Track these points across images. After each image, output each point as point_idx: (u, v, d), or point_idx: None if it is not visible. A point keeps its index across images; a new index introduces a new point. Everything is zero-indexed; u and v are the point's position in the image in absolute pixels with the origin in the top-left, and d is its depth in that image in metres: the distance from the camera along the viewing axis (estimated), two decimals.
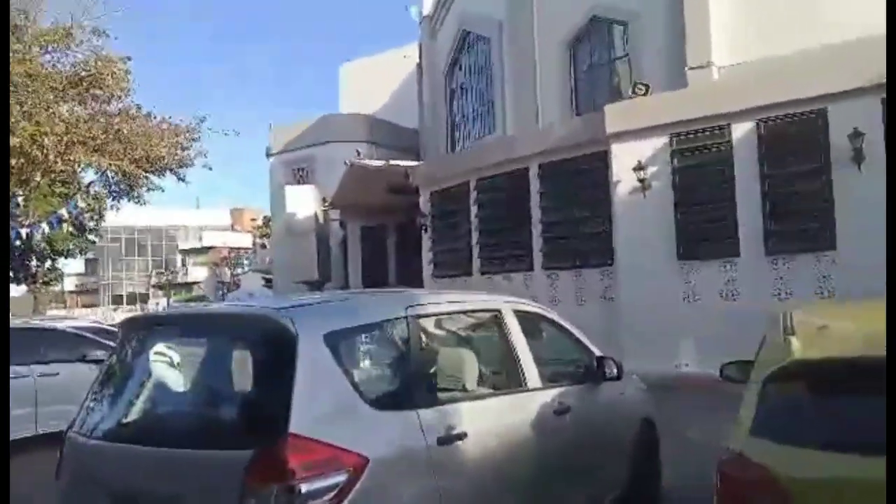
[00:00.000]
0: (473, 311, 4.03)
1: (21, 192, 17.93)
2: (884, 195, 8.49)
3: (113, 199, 21.48)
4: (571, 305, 12.34)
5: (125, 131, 17.26)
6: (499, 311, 3.93)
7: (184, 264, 63.35)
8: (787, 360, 2.51)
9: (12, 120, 14.30)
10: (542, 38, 16.73)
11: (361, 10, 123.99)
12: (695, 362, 10.45)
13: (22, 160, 15.60)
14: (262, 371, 2.86)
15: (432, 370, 3.44)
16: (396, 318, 3.23)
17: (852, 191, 9.68)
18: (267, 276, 31.78)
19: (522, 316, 4.06)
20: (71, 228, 24.65)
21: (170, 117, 18.97)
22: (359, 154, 19.16)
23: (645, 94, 12.40)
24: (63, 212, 18.02)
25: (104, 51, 16.82)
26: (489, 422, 3.37)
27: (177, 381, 3.30)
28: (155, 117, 18.71)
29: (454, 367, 3.54)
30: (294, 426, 2.53)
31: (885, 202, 8.44)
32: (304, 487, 2.45)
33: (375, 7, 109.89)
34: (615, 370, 4.37)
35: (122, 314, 41.67)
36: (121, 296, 59.23)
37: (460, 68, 21.29)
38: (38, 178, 17.89)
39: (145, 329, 3.54)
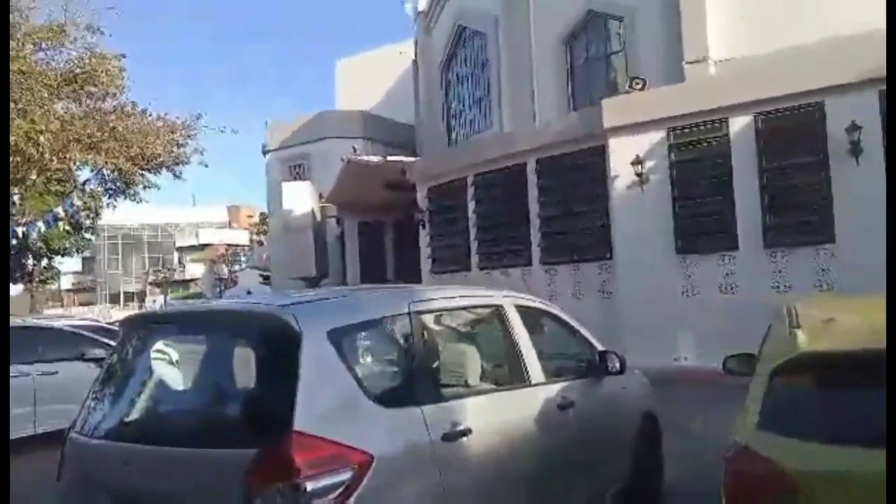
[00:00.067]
0: (476, 307, 4.02)
1: (17, 191, 17.85)
2: (882, 187, 8.51)
3: (109, 197, 21.37)
4: (570, 300, 12.34)
5: (120, 129, 17.16)
6: (501, 306, 3.92)
7: (181, 262, 63.15)
8: (794, 352, 2.50)
9: None
10: (539, 33, 16.70)
11: (359, 7, 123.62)
12: (694, 356, 10.47)
13: (17, 158, 15.51)
14: (265, 368, 2.84)
15: (435, 366, 3.43)
16: (399, 314, 3.21)
17: (850, 184, 9.68)
18: (264, 273, 31.72)
19: (524, 311, 4.05)
20: (67, 227, 24.54)
21: (165, 114, 18.91)
22: (355, 150, 19.11)
23: (642, 89, 12.39)
24: (59, 210, 17.92)
25: (98, 48, 16.73)
26: (493, 418, 3.35)
27: (179, 380, 3.28)
28: (150, 114, 18.64)
29: (457, 363, 3.53)
30: (298, 424, 2.51)
31: (885, 195, 8.45)
32: (309, 486, 2.43)
33: (372, 4, 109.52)
34: (617, 364, 4.36)
35: (119, 312, 41.60)
36: (118, 294, 59.04)
37: (456, 64, 21.24)
38: (33, 177, 17.79)
39: (146, 327, 3.51)
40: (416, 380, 3.17)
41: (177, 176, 20.01)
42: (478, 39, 19.63)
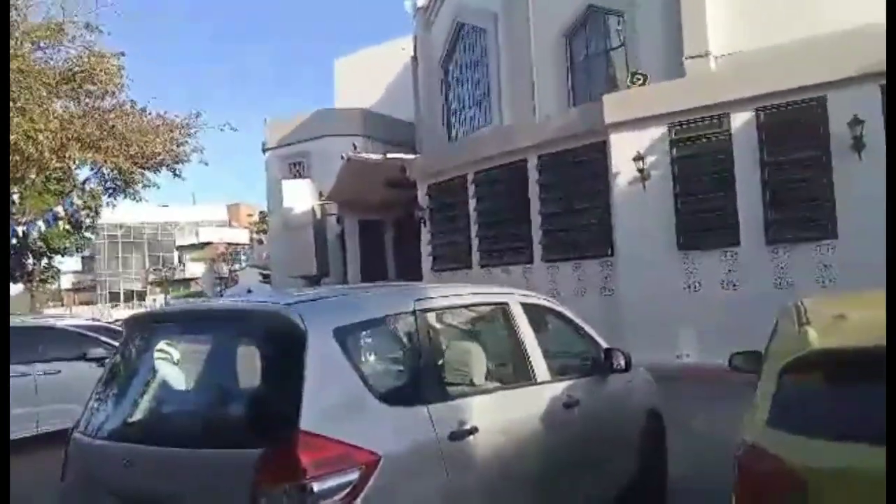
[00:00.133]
0: (480, 305, 3.99)
1: (16, 190, 17.81)
2: (884, 183, 8.46)
3: (109, 196, 21.37)
4: (571, 297, 12.31)
5: (120, 127, 17.12)
6: (506, 303, 3.90)
7: (181, 261, 63.12)
8: (804, 350, 2.48)
9: None
10: (538, 29, 16.64)
11: (358, 6, 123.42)
12: (696, 353, 10.46)
13: (17, 157, 15.47)
14: (270, 367, 2.81)
15: (441, 364, 3.40)
16: (404, 313, 3.18)
17: (852, 179, 9.66)
18: (264, 272, 31.73)
19: (529, 308, 4.02)
20: (67, 226, 24.54)
21: (165, 112, 18.85)
22: (355, 148, 19.03)
23: (643, 84, 12.37)
24: (59, 209, 17.92)
25: (97, 46, 16.68)
26: (499, 416, 3.33)
27: (183, 380, 3.25)
28: (150, 113, 18.58)
29: (463, 361, 3.50)
30: (305, 423, 2.48)
31: (886, 190, 8.41)
32: (316, 486, 2.40)
33: (372, 3, 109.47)
34: (623, 362, 4.33)
35: (120, 311, 41.64)
36: (118, 293, 59.04)
37: (456, 60, 21.19)
38: (33, 176, 17.75)
39: (150, 326, 3.47)
40: (422, 378, 3.13)
41: (176, 174, 19.97)
42: (477, 35, 19.58)
